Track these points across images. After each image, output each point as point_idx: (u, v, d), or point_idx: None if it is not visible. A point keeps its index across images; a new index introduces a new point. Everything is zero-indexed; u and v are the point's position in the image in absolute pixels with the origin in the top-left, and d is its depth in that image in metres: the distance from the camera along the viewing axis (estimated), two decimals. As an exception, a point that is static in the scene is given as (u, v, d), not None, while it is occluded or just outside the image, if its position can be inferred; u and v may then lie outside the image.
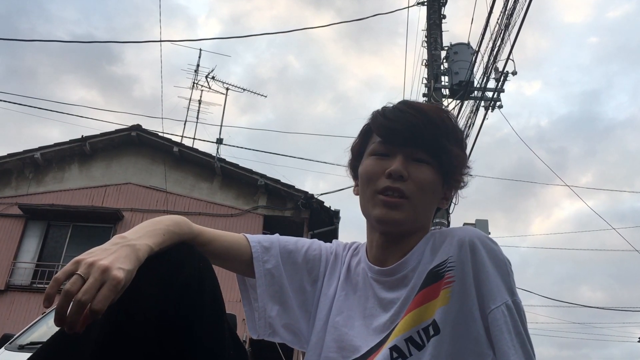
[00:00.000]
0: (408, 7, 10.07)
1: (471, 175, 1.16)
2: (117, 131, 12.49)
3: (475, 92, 9.53)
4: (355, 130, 1.21)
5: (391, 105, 1.13)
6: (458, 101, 9.62)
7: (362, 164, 1.14)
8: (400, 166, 1.06)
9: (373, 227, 1.13)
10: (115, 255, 0.84)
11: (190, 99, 14.23)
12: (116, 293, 0.80)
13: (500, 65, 8.81)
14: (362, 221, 1.17)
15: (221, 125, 12.97)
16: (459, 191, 1.17)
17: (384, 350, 0.98)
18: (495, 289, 0.95)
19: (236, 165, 12.16)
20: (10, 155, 12.31)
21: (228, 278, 1.18)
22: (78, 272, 0.80)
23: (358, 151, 1.18)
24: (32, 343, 4.47)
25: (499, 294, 0.95)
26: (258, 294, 1.13)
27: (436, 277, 1.00)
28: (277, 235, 1.22)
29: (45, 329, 4.78)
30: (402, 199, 1.05)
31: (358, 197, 1.15)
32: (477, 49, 8.75)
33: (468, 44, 10.00)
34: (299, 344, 1.16)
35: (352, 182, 1.21)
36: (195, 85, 14.33)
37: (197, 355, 0.88)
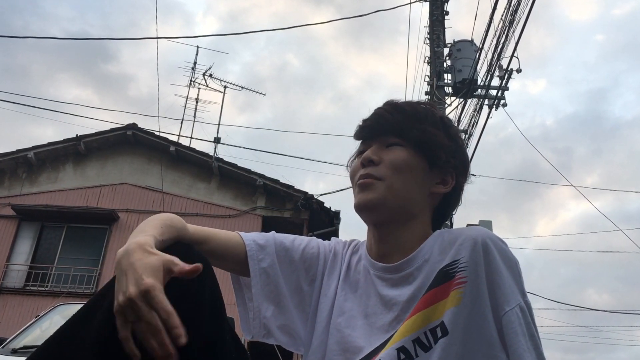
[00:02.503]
0: (410, 3, 9.94)
1: (474, 174, 1.14)
2: (112, 130, 12.37)
3: (479, 90, 9.55)
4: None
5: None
6: (461, 99, 9.58)
7: None
8: (369, 152, 1.08)
9: (366, 222, 1.13)
10: (129, 273, 0.81)
11: (187, 98, 14.22)
12: (161, 291, 0.79)
13: (504, 62, 8.79)
14: (363, 223, 1.16)
15: (219, 124, 13.06)
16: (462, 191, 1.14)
17: (391, 351, 0.96)
18: (509, 291, 0.94)
19: (234, 165, 12.08)
20: (2, 155, 12.20)
21: (227, 280, 1.12)
22: (130, 321, 0.78)
23: None
24: (25, 347, 4.39)
25: (513, 295, 0.94)
26: (253, 294, 1.09)
27: (446, 277, 0.98)
28: (272, 232, 1.19)
29: (39, 332, 4.70)
30: (373, 180, 1.06)
31: None
32: (480, 46, 8.77)
33: (471, 41, 10.03)
34: (295, 346, 1.12)
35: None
36: (192, 83, 14.26)
37: (198, 357, 0.86)
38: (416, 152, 1.08)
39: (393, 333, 0.99)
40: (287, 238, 1.18)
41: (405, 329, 0.97)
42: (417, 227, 1.08)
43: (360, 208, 1.08)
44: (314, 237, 1.23)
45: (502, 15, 7.83)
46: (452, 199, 1.14)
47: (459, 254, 0.98)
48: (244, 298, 1.13)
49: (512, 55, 8.33)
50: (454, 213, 1.23)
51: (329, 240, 1.24)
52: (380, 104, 1.17)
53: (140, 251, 0.83)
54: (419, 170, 1.08)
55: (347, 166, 1.22)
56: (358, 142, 1.19)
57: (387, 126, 1.09)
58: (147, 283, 0.78)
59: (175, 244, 0.94)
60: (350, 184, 1.20)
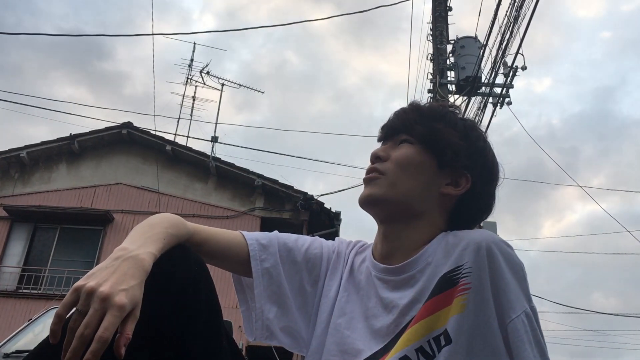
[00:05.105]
0: (413, -2, 9.81)
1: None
2: (107, 129, 12.30)
3: (483, 87, 9.51)
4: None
5: None
6: (465, 97, 9.48)
7: None
8: (377, 149, 1.10)
9: (374, 218, 1.13)
10: (117, 275, 0.80)
11: (183, 95, 14.14)
12: (121, 318, 0.76)
13: (509, 59, 8.69)
14: (364, 224, 1.12)
15: (216, 123, 13.08)
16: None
17: None
18: (514, 298, 0.93)
19: (232, 165, 12.03)
20: (-6, 155, 12.10)
21: (224, 283, 1.07)
22: (77, 308, 0.77)
23: None
24: (17, 351, 4.37)
25: (518, 302, 0.93)
26: (255, 295, 1.09)
27: (450, 284, 0.97)
28: (275, 232, 1.18)
29: (32, 336, 4.74)
30: (378, 174, 1.07)
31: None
32: (484, 43, 8.68)
33: (475, 38, 10.01)
34: (298, 347, 1.13)
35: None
36: (189, 80, 14.19)
37: None
38: (425, 150, 1.08)
39: (392, 337, 0.99)
40: (290, 238, 1.17)
41: (408, 337, 0.96)
42: (424, 227, 1.07)
43: (361, 202, 1.09)
44: (317, 237, 1.22)
45: (507, 12, 7.77)
46: (472, 203, 1.10)
47: (463, 259, 0.97)
48: (246, 299, 1.13)
49: (517, 52, 8.28)
50: (484, 219, 1.16)
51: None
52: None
53: (138, 266, 0.83)
54: (426, 168, 1.08)
55: None
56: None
57: (399, 124, 1.12)
58: (121, 301, 0.76)
59: (172, 247, 0.93)
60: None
